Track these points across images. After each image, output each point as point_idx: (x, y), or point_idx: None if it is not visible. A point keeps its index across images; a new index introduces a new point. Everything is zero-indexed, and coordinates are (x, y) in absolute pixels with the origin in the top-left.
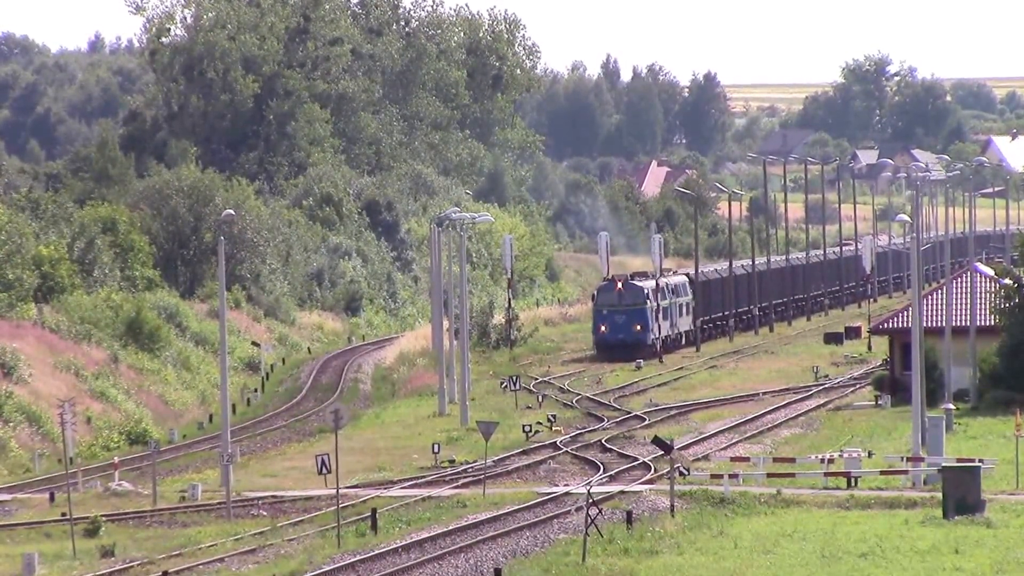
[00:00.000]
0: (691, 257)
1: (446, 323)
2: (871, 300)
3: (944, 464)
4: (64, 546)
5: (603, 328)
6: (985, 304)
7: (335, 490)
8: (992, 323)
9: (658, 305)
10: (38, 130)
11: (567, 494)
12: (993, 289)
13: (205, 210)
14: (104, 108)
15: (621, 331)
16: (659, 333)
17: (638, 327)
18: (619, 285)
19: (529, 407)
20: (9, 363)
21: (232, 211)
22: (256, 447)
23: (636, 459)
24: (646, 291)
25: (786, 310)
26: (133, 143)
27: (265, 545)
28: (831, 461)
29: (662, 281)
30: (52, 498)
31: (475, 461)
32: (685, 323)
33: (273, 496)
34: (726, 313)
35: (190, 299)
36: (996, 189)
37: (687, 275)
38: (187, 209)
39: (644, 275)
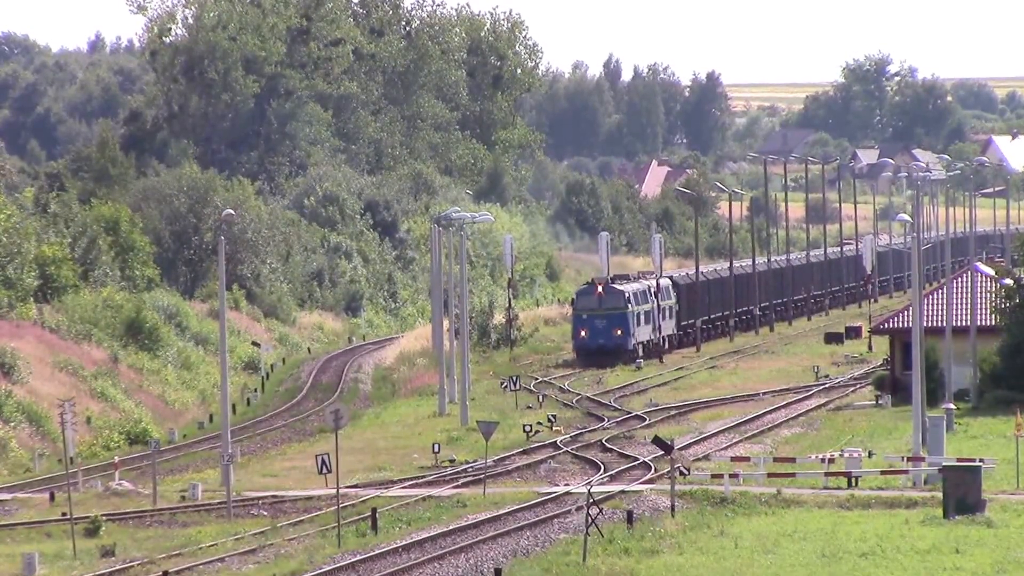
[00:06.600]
0: (691, 257)
1: (446, 323)
2: (871, 300)
3: (944, 464)
4: (64, 546)
5: (583, 333)
6: (985, 304)
7: (335, 490)
8: (992, 323)
9: (645, 308)
10: (38, 130)
11: (567, 494)
12: (993, 289)
13: (205, 210)
14: (104, 108)
15: (601, 336)
16: (642, 337)
17: (619, 332)
18: (599, 289)
19: (529, 407)
20: (9, 363)
21: (232, 211)
22: (256, 447)
23: (636, 459)
24: (627, 295)
25: (785, 310)
26: (133, 143)
27: (265, 545)
28: (831, 461)
29: (645, 284)
30: (52, 498)
31: (475, 461)
32: (669, 327)
33: (273, 496)
34: (712, 316)
35: (190, 299)
36: (997, 189)
37: (670, 278)
38: (187, 209)
39: (625, 278)
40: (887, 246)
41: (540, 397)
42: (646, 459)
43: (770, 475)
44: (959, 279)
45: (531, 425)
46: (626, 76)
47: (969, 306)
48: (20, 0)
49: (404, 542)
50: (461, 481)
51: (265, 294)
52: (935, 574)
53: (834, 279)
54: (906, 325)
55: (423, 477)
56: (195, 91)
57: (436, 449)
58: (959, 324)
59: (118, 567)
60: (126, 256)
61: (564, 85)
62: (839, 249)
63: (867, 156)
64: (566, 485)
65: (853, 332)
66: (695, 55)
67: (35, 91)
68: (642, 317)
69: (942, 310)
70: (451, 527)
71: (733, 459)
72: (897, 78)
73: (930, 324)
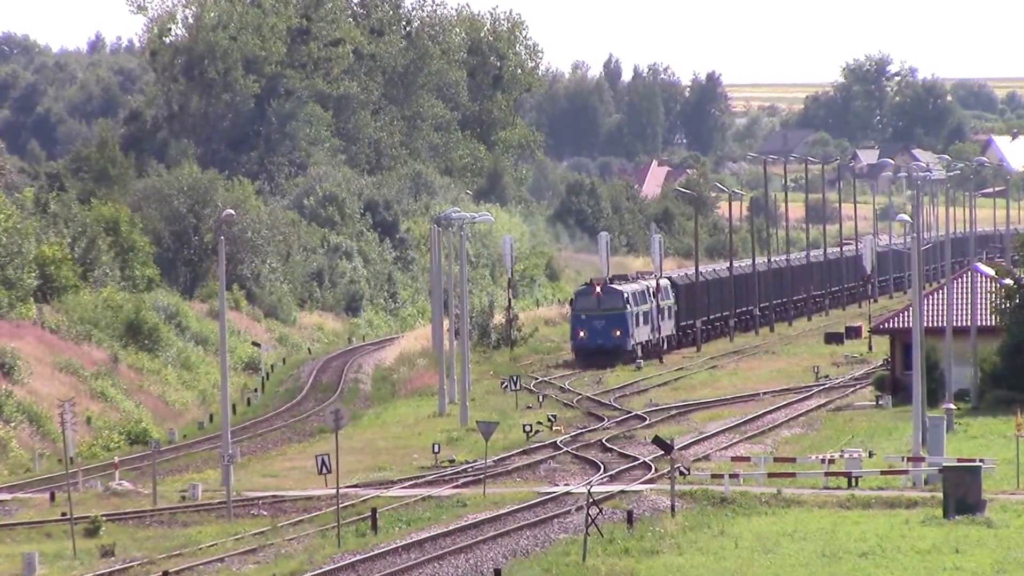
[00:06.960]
0: (691, 257)
1: (446, 323)
2: (871, 300)
3: (945, 464)
4: (64, 546)
5: (582, 334)
6: (986, 304)
7: (335, 490)
8: (993, 323)
9: (644, 308)
10: (38, 130)
11: (567, 494)
12: (993, 289)
13: (205, 210)
14: (104, 108)
15: (600, 336)
16: (640, 338)
17: (617, 332)
18: (598, 289)
19: (529, 407)
20: (9, 363)
21: (232, 211)
22: (256, 447)
23: (636, 459)
24: (626, 295)
25: (785, 310)
26: (133, 143)
27: (265, 545)
28: (832, 461)
29: (644, 284)
30: (52, 498)
31: (475, 461)
32: (668, 327)
33: (273, 496)
34: (711, 316)
35: (190, 299)
36: (997, 189)
37: (670, 278)
38: (188, 209)
39: (624, 279)
40: (887, 246)
41: (540, 397)
42: (646, 459)
43: (770, 475)
44: (959, 279)
45: (531, 425)
46: (626, 76)
47: (969, 306)
48: (20, 0)
49: (404, 542)
50: (461, 481)
51: (265, 294)
52: (935, 574)
53: (834, 279)
54: (906, 325)
55: (423, 477)
56: (195, 91)
57: (436, 449)
58: (959, 324)
59: (118, 567)
60: (126, 256)
61: (564, 85)
62: (839, 249)
63: (867, 156)
64: (566, 485)
65: (853, 332)
66: (695, 55)
67: (35, 91)
68: (641, 317)
69: (942, 310)
70: (451, 527)
71: (733, 459)
72: (897, 78)
73: (930, 324)
